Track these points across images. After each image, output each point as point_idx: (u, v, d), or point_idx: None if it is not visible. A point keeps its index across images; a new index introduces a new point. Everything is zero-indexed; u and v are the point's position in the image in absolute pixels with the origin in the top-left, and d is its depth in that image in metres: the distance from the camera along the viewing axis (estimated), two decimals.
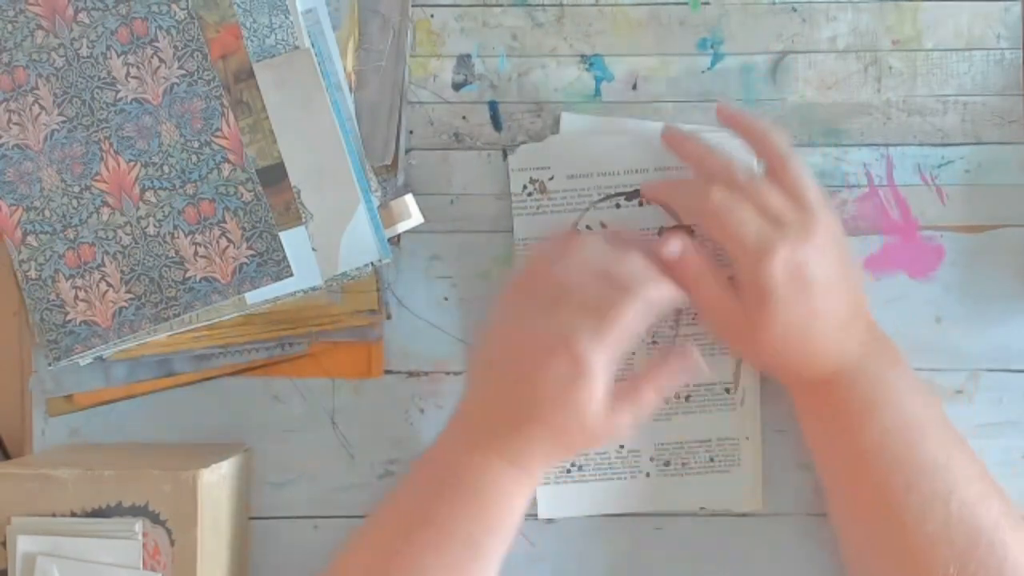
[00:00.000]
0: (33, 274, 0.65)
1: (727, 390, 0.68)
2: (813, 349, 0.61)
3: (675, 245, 0.62)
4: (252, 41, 0.64)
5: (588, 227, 0.68)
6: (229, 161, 0.64)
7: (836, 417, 0.62)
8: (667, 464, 0.68)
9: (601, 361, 0.57)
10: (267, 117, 0.64)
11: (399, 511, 0.61)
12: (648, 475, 0.68)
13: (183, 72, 0.64)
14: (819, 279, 0.60)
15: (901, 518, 0.59)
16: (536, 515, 0.68)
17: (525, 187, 0.68)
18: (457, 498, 0.59)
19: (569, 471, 0.68)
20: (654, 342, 0.68)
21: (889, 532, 0.59)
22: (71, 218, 0.65)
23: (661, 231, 0.68)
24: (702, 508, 0.68)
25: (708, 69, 0.70)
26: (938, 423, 0.61)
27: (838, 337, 0.61)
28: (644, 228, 0.68)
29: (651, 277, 0.60)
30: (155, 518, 0.59)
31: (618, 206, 0.68)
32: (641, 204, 0.68)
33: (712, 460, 0.68)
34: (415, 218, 0.67)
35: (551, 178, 0.68)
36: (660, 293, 0.60)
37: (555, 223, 0.68)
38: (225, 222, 0.64)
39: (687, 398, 0.68)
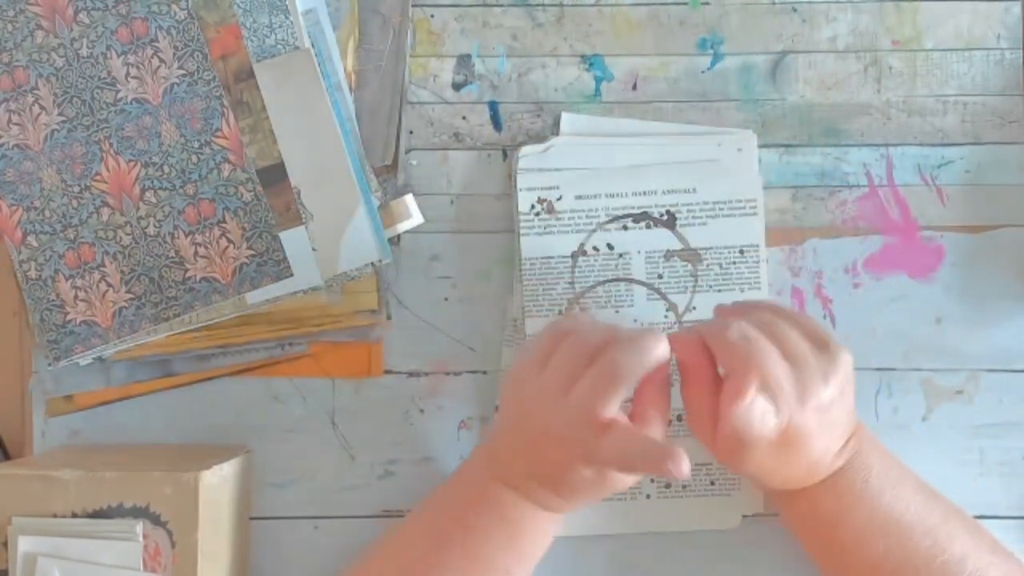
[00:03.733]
0: (33, 274, 0.65)
1: None
2: (777, 483, 0.61)
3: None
4: (252, 41, 0.64)
5: (595, 248, 0.68)
6: (229, 161, 0.64)
7: (802, 522, 0.62)
8: (668, 486, 0.68)
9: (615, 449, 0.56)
10: (267, 117, 0.64)
11: (423, 529, 0.61)
12: (648, 497, 0.68)
13: (183, 72, 0.64)
14: (801, 439, 0.57)
15: None
16: None
17: (533, 207, 0.68)
18: (484, 523, 0.59)
19: None
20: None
21: None
22: (71, 218, 0.65)
23: (668, 254, 0.68)
24: (701, 533, 0.68)
25: (708, 69, 0.70)
26: (920, 514, 0.59)
27: (806, 474, 0.60)
28: (650, 251, 0.68)
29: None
30: (156, 519, 0.59)
31: (625, 228, 0.68)
32: (649, 226, 0.68)
33: (713, 483, 0.68)
34: (415, 218, 0.67)
35: (559, 198, 0.68)
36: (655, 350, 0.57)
37: (562, 243, 0.68)
38: (225, 222, 0.64)
39: None
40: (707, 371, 0.58)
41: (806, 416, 0.56)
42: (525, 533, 0.60)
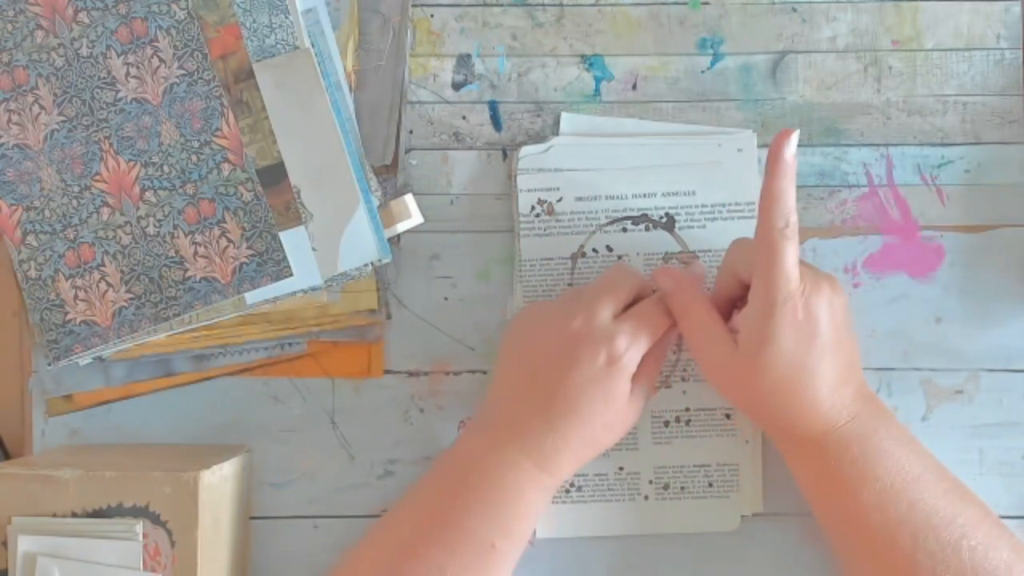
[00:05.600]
0: (33, 274, 0.65)
1: (727, 416, 0.68)
2: (802, 405, 0.60)
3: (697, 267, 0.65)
4: (252, 41, 0.64)
5: (595, 250, 0.68)
6: (229, 161, 0.64)
7: (831, 479, 0.61)
8: (666, 488, 0.68)
9: (632, 350, 0.61)
10: (267, 117, 0.64)
11: (417, 509, 0.61)
12: (647, 498, 0.68)
13: (183, 72, 0.64)
14: (821, 335, 0.59)
15: (913, 572, 0.58)
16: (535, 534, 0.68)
17: (533, 208, 0.68)
18: (477, 499, 0.60)
19: (568, 492, 0.68)
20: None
21: None
22: (71, 218, 0.65)
23: (666, 256, 0.68)
24: (700, 533, 0.68)
25: (708, 69, 0.70)
26: (935, 473, 0.60)
27: (829, 398, 0.60)
28: (649, 253, 0.68)
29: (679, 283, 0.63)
30: (156, 519, 0.59)
31: (624, 230, 0.68)
32: (648, 228, 0.68)
33: (711, 485, 0.68)
34: (415, 218, 0.67)
35: (559, 200, 0.68)
36: (683, 295, 0.63)
37: (562, 245, 0.68)
38: (225, 222, 0.64)
39: (687, 423, 0.68)
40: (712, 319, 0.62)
41: (820, 302, 0.59)
42: (510, 507, 0.60)
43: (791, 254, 0.58)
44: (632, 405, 0.62)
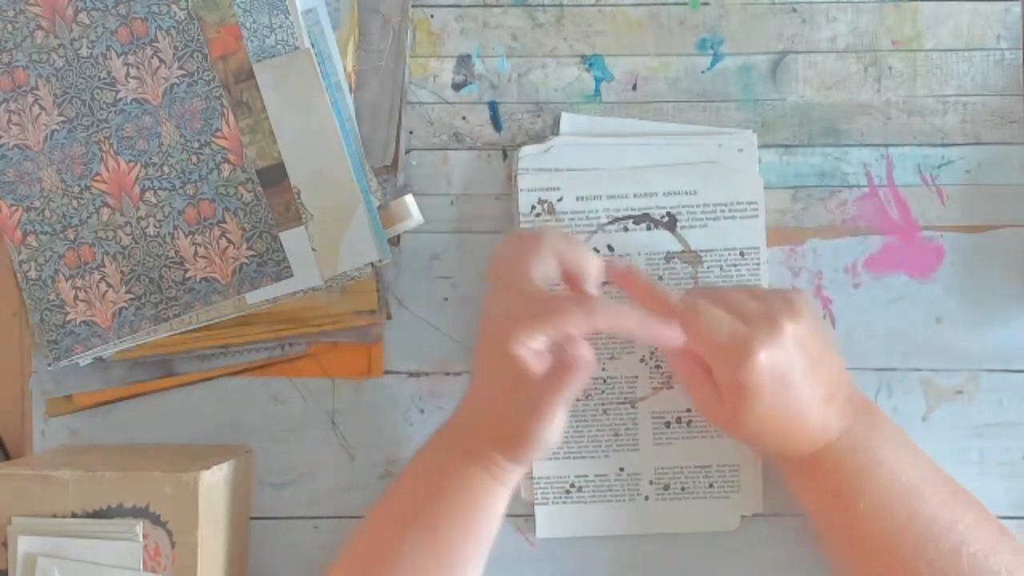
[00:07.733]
0: (33, 274, 0.65)
1: None
2: (793, 434, 0.60)
3: (677, 336, 0.60)
4: (252, 41, 0.64)
5: (596, 249, 0.68)
6: (229, 161, 0.64)
7: (828, 494, 0.61)
8: (666, 488, 0.68)
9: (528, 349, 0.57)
10: (267, 117, 0.64)
11: (388, 512, 0.61)
12: (647, 498, 0.68)
13: (183, 72, 0.64)
14: (795, 372, 0.58)
15: None
16: (535, 533, 0.68)
17: (534, 207, 0.68)
18: (415, 473, 0.60)
19: (568, 492, 0.68)
20: (657, 365, 0.68)
21: None
22: (71, 218, 0.65)
23: (668, 256, 0.68)
24: (700, 533, 0.68)
25: (708, 69, 0.70)
26: (933, 481, 0.60)
27: (817, 419, 0.60)
28: (651, 252, 0.68)
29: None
30: (156, 519, 0.59)
31: (626, 229, 0.68)
32: (650, 228, 0.68)
33: (711, 486, 0.68)
34: (415, 218, 0.67)
35: (560, 199, 0.68)
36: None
37: None
38: (225, 222, 0.64)
39: (688, 423, 0.68)
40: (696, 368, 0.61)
41: (785, 346, 0.58)
42: (470, 507, 0.59)
43: (721, 334, 0.58)
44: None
